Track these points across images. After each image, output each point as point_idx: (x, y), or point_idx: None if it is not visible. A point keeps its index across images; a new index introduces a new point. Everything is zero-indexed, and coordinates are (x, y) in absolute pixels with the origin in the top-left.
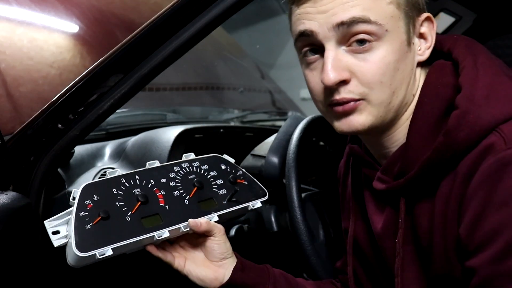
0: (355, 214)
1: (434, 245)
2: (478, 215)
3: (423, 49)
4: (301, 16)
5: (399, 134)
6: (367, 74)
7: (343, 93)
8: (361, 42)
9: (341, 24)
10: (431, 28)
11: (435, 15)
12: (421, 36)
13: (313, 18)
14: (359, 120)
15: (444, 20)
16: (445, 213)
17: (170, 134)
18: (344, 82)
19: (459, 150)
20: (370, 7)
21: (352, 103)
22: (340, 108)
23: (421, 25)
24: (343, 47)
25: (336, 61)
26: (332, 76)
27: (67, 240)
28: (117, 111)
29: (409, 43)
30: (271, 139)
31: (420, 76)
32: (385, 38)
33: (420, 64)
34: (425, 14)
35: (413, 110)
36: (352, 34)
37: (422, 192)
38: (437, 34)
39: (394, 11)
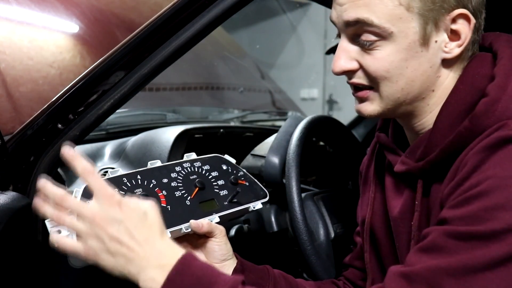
0: (374, 202)
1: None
2: (463, 178)
3: (452, 47)
4: (333, 3)
5: (430, 121)
6: (371, 67)
7: (353, 79)
8: (366, 40)
9: (347, 23)
10: (465, 26)
11: None
12: (453, 32)
13: (335, 8)
14: (368, 109)
15: None
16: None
17: (170, 134)
18: (352, 71)
19: (482, 136)
20: (376, 9)
21: (365, 91)
22: (356, 93)
23: (453, 21)
24: (355, 39)
25: (345, 52)
26: (338, 65)
27: None
28: (117, 111)
29: (425, 42)
30: (271, 139)
31: (451, 71)
32: (391, 39)
33: (455, 59)
34: (458, 11)
35: (445, 97)
36: (358, 33)
37: (440, 176)
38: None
39: (403, 14)
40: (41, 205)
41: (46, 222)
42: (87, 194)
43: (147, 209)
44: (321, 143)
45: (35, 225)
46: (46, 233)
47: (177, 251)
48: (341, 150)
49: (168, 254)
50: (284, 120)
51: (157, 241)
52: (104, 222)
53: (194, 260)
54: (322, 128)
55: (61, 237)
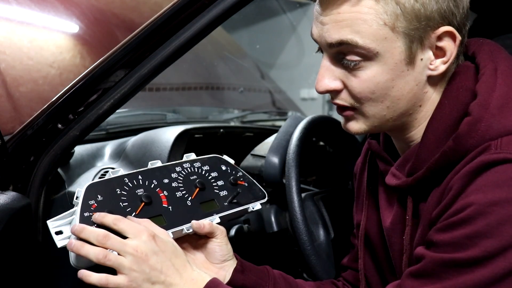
0: (368, 208)
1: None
2: (449, 203)
3: (437, 64)
4: (314, 17)
5: (419, 133)
6: (356, 89)
7: (336, 99)
8: (351, 60)
9: (330, 44)
10: (451, 43)
11: None
12: (438, 49)
13: (317, 26)
14: (354, 127)
15: None
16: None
17: (170, 134)
18: (336, 91)
19: (466, 155)
20: (360, 29)
21: (348, 111)
22: (339, 112)
23: (438, 39)
24: (339, 58)
25: (329, 71)
26: (321, 84)
27: None
28: (117, 111)
29: (411, 61)
30: (271, 139)
31: (437, 86)
32: (376, 59)
33: (441, 75)
34: (443, 29)
35: (432, 111)
36: (342, 52)
37: (429, 192)
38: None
39: (388, 34)
40: (81, 247)
41: (48, 222)
42: (90, 193)
43: (173, 241)
44: (321, 143)
45: (35, 225)
46: (46, 233)
47: (205, 277)
48: (341, 150)
49: (199, 280)
50: (284, 120)
51: (189, 269)
52: (145, 254)
53: (219, 285)
54: (322, 128)
55: (105, 276)
